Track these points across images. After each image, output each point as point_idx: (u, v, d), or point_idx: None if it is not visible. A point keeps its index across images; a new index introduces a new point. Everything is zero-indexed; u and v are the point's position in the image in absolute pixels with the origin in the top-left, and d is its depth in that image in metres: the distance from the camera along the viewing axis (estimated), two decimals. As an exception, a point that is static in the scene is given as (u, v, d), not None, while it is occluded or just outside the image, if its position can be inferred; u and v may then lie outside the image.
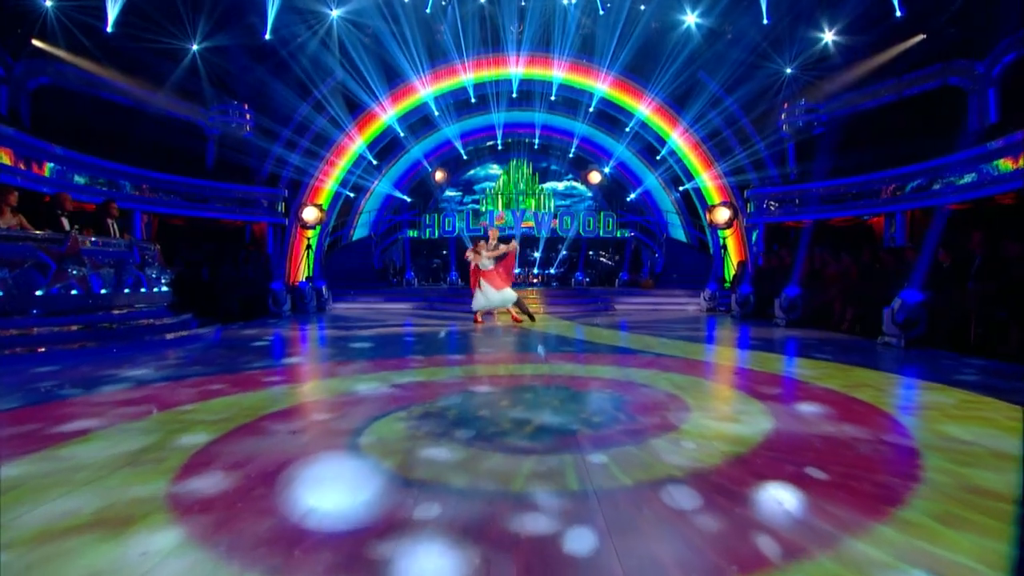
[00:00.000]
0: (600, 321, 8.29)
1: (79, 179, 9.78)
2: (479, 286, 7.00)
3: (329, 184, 14.23)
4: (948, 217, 6.45)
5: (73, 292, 4.89)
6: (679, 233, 15.76)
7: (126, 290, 5.47)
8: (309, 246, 13.30)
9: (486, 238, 7.22)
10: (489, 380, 3.90)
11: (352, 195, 15.07)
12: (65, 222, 5.42)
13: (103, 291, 5.18)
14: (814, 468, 2.15)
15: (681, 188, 15.18)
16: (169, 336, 5.44)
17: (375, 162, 14.89)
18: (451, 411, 3.10)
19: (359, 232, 15.69)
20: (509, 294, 6.98)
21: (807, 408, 3.13)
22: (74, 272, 4.83)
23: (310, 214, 13.11)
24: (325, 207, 14.09)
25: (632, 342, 5.80)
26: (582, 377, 4.01)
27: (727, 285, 12.40)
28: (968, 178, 8.76)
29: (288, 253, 13.79)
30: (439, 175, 16.65)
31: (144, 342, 5.20)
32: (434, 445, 2.50)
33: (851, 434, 2.60)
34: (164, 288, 6.21)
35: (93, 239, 5.33)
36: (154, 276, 5.94)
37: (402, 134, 14.96)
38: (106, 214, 6.00)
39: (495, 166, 17.30)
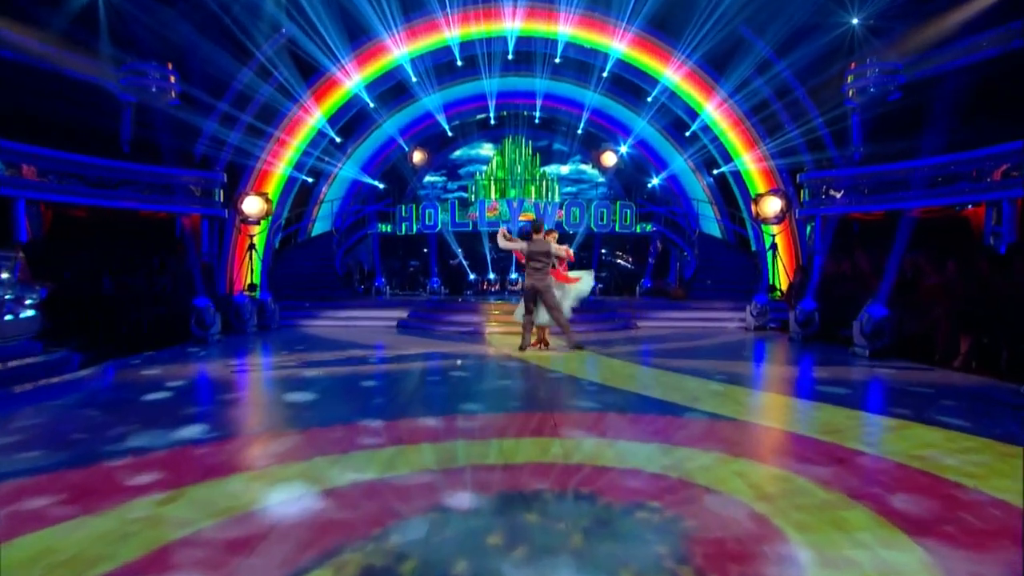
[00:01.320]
0: (619, 349, 7.60)
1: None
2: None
3: (280, 168, 13.41)
4: None
5: None
6: (713, 227, 15.32)
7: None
8: (253, 246, 12.35)
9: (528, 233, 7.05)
10: (472, 477, 2.97)
11: (310, 180, 14.83)
12: None
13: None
14: None
15: (716, 172, 14.74)
16: (20, 389, 4.43)
17: (338, 140, 14.32)
18: (407, 564, 2.14)
19: (319, 226, 15.40)
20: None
21: (999, 556, 2.16)
22: None
23: (253, 206, 12.14)
24: (275, 197, 13.31)
25: (670, 389, 5.00)
26: (610, 469, 3.08)
27: (777, 294, 11.89)
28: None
29: (229, 255, 12.82)
30: (417, 157, 15.99)
31: (-17, 399, 4.19)
32: None
33: None
34: (28, 312, 5.19)
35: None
36: (10, 297, 4.92)
37: (371, 105, 14.28)
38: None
39: (486, 145, 16.85)
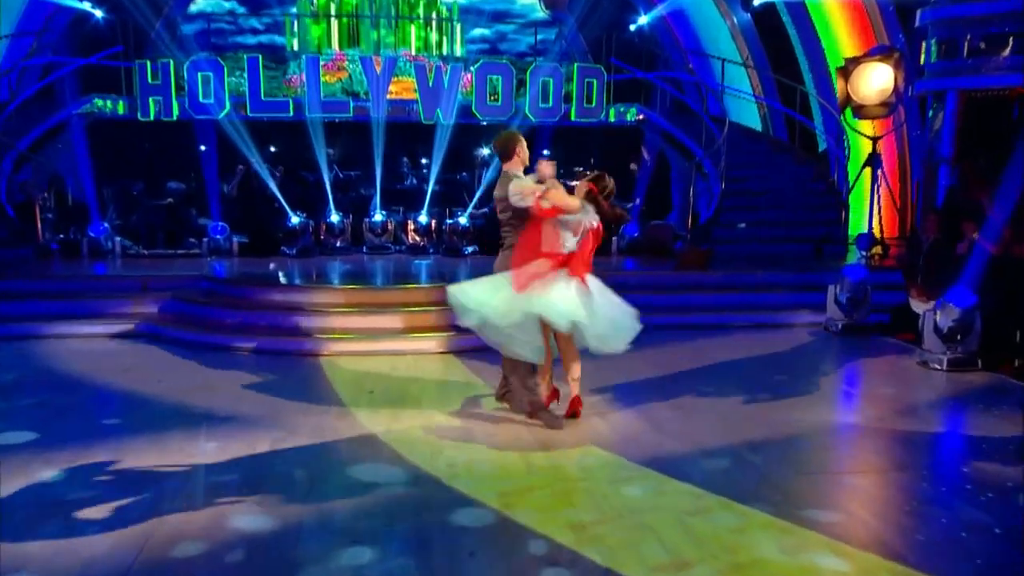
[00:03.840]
0: (594, 414, 6.78)
1: None
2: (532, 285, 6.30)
3: None
4: None
5: None
6: (749, 113, 15.80)
7: None
8: None
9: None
10: None
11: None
12: None
13: None
14: None
15: (757, 2, 15.18)
16: None
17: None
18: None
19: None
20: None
21: None
22: None
23: None
24: None
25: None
26: None
27: (876, 253, 11.78)
28: None
29: None
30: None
31: None
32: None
33: None
34: None
35: None
36: None
37: None
38: None
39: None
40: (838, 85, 12.10)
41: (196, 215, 14.75)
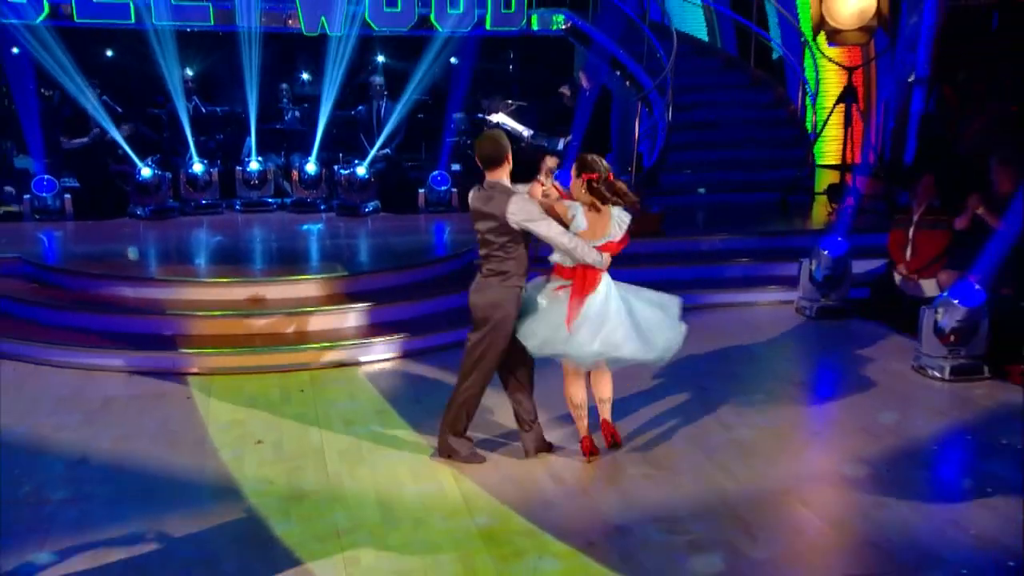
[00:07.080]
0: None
1: None
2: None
3: None
4: None
5: None
6: (694, 19, 16.55)
7: None
8: None
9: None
10: None
11: None
12: None
13: None
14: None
15: None
16: None
17: None
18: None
19: None
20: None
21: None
22: None
23: None
24: None
25: None
26: None
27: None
28: None
29: None
30: None
31: None
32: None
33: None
34: None
35: None
36: None
37: None
38: None
39: None
40: (811, 4, 12.01)
41: (12, 151, 13.94)
